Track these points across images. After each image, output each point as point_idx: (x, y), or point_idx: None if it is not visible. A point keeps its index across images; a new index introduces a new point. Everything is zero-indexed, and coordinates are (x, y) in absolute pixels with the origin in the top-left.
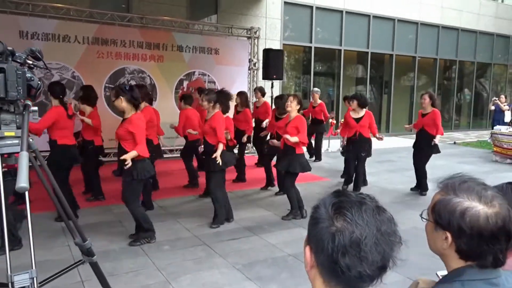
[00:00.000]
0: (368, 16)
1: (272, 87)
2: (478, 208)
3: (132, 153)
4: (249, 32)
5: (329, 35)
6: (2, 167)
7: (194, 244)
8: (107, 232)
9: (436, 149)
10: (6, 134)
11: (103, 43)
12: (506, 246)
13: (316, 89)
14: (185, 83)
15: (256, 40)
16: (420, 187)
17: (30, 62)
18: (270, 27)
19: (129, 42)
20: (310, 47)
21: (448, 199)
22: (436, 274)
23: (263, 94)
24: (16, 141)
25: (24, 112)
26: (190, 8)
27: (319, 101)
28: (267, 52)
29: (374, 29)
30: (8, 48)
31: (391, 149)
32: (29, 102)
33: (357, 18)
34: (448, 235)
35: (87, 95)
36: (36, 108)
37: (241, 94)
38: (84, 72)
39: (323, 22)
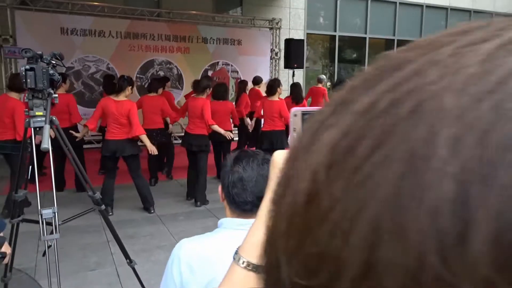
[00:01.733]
0: (395, 3)
1: (293, 75)
2: None
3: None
4: (271, 23)
5: (354, 23)
6: (35, 138)
7: (205, 216)
8: (131, 206)
9: None
10: (37, 113)
11: (134, 37)
12: None
13: (321, 76)
14: (210, 73)
15: (277, 31)
16: None
17: (53, 62)
18: (294, 17)
19: (157, 35)
20: (335, 36)
21: None
22: None
23: (255, 83)
24: (43, 118)
25: (48, 98)
26: (216, 1)
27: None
28: (288, 42)
29: (401, 16)
30: (38, 52)
31: None
32: (51, 91)
33: (383, 5)
34: None
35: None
36: (56, 95)
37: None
38: (118, 64)
39: (348, 10)
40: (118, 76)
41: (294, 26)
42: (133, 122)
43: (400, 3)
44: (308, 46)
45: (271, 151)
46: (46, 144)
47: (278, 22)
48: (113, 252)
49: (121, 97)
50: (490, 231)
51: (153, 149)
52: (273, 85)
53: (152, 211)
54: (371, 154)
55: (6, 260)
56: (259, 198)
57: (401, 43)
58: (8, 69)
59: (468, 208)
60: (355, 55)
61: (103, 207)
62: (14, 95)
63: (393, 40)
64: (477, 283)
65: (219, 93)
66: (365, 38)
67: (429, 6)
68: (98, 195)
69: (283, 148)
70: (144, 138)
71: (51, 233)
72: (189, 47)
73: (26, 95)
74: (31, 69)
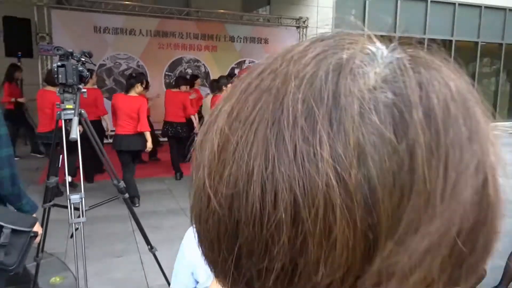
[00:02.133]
0: (426, 0)
1: None
2: None
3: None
4: (298, 22)
5: (384, 21)
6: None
7: None
8: (158, 197)
9: None
10: (67, 106)
11: (164, 35)
12: None
13: None
14: (236, 71)
15: (304, 29)
16: None
17: (83, 59)
18: (322, 16)
19: (186, 34)
20: (363, 35)
21: None
22: None
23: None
24: (72, 111)
25: (77, 93)
26: (244, 0)
27: None
28: None
29: (433, 14)
30: (69, 50)
31: None
32: (80, 86)
33: (414, 3)
34: None
35: None
36: (85, 90)
37: None
38: (147, 62)
39: (377, 8)
40: (148, 73)
41: (322, 25)
42: (140, 117)
43: (431, 1)
44: None
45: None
46: (74, 135)
47: (305, 21)
48: (138, 241)
49: (132, 93)
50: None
51: (149, 146)
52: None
53: (137, 204)
54: (244, 120)
55: (37, 240)
56: None
57: (432, 42)
58: (44, 65)
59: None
60: None
61: (126, 195)
62: (50, 88)
63: (424, 39)
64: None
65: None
66: (394, 37)
67: (462, 4)
68: (122, 184)
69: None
70: (148, 135)
71: (78, 217)
72: (217, 46)
73: (58, 89)
74: (63, 65)
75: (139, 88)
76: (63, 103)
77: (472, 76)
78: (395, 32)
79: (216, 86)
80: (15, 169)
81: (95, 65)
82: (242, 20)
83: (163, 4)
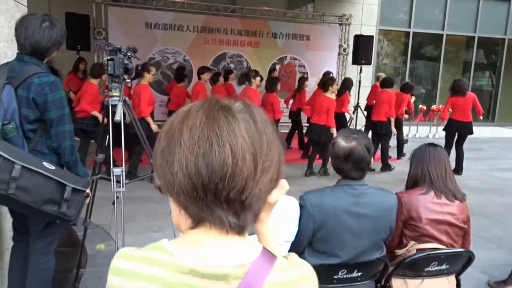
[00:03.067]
0: None
1: (360, 72)
2: (340, 143)
3: None
4: (340, 19)
5: (430, 19)
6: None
7: None
8: None
9: None
10: (114, 94)
11: (209, 31)
12: (355, 167)
13: (378, 74)
14: (278, 67)
15: (347, 27)
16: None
17: (129, 54)
18: (367, 13)
19: (230, 30)
20: (408, 32)
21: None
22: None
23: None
24: (118, 98)
25: (122, 82)
26: None
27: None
28: (357, 38)
29: (484, 12)
30: (117, 46)
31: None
32: (125, 77)
33: (463, 1)
34: None
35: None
36: (129, 80)
37: None
38: (193, 56)
39: (423, 6)
40: (193, 67)
41: (366, 22)
42: (140, 103)
43: None
44: (380, 42)
45: (317, 143)
46: (118, 117)
47: (348, 18)
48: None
49: (143, 82)
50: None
51: (155, 128)
52: (326, 82)
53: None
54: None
55: (87, 201)
56: None
57: (482, 40)
58: (100, 58)
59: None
60: (430, 52)
61: None
62: (93, 80)
63: (474, 37)
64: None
65: (267, 86)
66: (442, 35)
67: None
68: None
69: (325, 142)
70: (149, 120)
71: (119, 187)
72: (259, 42)
73: (107, 79)
74: (111, 59)
75: (146, 76)
76: (110, 91)
77: None
78: (443, 30)
79: (245, 78)
80: (74, 141)
81: (139, 59)
82: (286, 17)
83: (210, 2)
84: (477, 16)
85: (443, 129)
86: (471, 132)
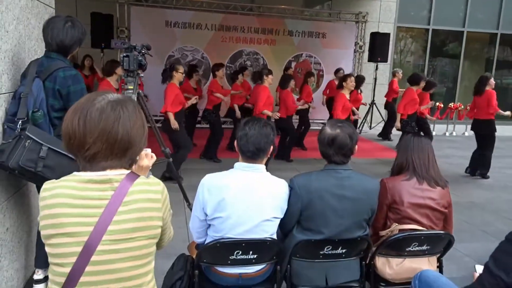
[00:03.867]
0: None
1: (376, 69)
2: (326, 130)
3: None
4: (357, 17)
5: (450, 16)
6: None
7: None
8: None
9: None
10: (129, 87)
11: (227, 29)
12: (338, 152)
13: (395, 69)
14: (293, 64)
15: (363, 24)
16: None
17: (143, 51)
18: (385, 10)
19: (247, 28)
20: (428, 29)
21: (322, 128)
22: (475, 268)
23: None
24: (132, 91)
25: (136, 77)
26: None
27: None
28: (373, 35)
29: (507, 8)
30: (132, 44)
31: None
32: (139, 71)
33: None
34: None
35: None
36: (142, 74)
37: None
38: (211, 54)
39: (444, 2)
40: (211, 64)
41: (384, 19)
42: (165, 101)
43: None
44: (399, 39)
45: None
46: None
47: (364, 16)
48: (185, 207)
49: (172, 81)
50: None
51: (175, 126)
52: (340, 80)
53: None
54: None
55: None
56: (258, 149)
57: (505, 37)
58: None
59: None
60: (450, 50)
61: (170, 159)
62: (108, 78)
63: (496, 34)
64: None
65: (281, 82)
66: (462, 31)
67: None
68: (168, 150)
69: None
70: (169, 115)
71: None
72: (275, 39)
73: (123, 74)
74: (127, 56)
75: (175, 77)
76: (126, 84)
77: None
78: (463, 27)
79: (258, 76)
80: None
81: (151, 56)
82: (302, 15)
83: (228, 1)
84: (500, 12)
85: (471, 129)
86: (490, 131)
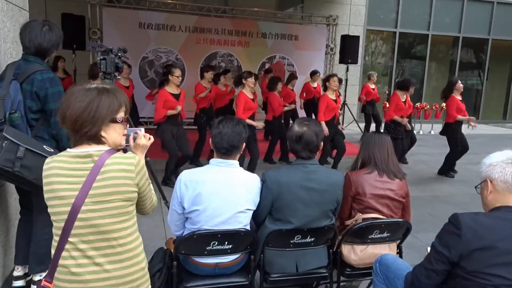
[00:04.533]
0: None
1: (347, 70)
2: (294, 128)
3: None
4: (327, 20)
5: (416, 20)
6: None
7: None
8: None
9: None
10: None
11: (201, 31)
12: (305, 148)
13: (369, 72)
14: (267, 66)
15: (334, 27)
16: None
17: (120, 54)
18: (355, 14)
19: (221, 30)
20: (395, 32)
21: (290, 126)
22: (427, 249)
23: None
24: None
25: (113, 79)
26: None
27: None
28: (344, 38)
29: (469, 13)
30: (108, 47)
31: None
32: (116, 73)
33: (449, 1)
34: None
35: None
36: (120, 77)
37: None
38: (185, 55)
39: (411, 7)
40: (185, 66)
41: (354, 22)
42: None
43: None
44: (369, 42)
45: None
46: None
47: (335, 19)
48: (162, 206)
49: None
50: None
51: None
52: (323, 83)
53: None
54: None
55: None
56: (231, 146)
57: (467, 40)
58: (95, 57)
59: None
60: (416, 52)
61: (148, 158)
62: (93, 81)
63: (458, 37)
64: None
65: (268, 85)
66: (427, 34)
67: (500, 3)
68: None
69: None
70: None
71: None
72: (249, 41)
73: (100, 76)
74: (104, 58)
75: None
76: None
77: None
78: (428, 30)
79: (238, 80)
80: None
81: (127, 58)
82: (275, 18)
83: (201, 3)
84: (462, 17)
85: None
86: (442, 132)
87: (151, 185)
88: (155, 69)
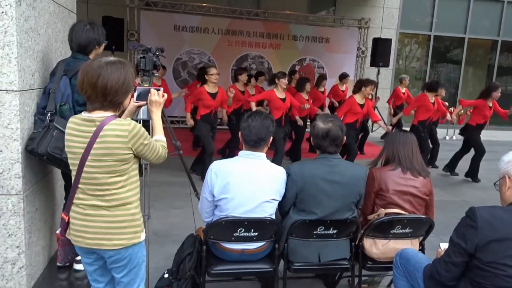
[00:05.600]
0: (502, 1)
1: (378, 74)
2: (319, 125)
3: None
4: (359, 23)
5: (452, 23)
6: None
7: None
8: None
9: None
10: (145, 85)
11: (233, 33)
12: (332, 143)
13: (402, 76)
14: (297, 68)
15: (366, 30)
16: None
17: (157, 53)
18: (387, 16)
19: (253, 32)
20: (429, 35)
21: (314, 123)
22: (439, 245)
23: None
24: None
25: (151, 76)
26: (311, 1)
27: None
28: (376, 40)
29: (508, 15)
30: (148, 46)
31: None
32: (154, 71)
33: (487, 4)
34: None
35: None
36: (157, 74)
37: None
38: (217, 57)
39: (447, 9)
40: (217, 67)
41: (387, 25)
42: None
43: (508, 1)
44: (402, 45)
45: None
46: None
47: (366, 22)
48: (192, 200)
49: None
50: None
51: (189, 122)
52: (356, 85)
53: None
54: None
55: None
56: (259, 138)
57: (506, 44)
58: (132, 57)
59: None
60: (452, 55)
61: (181, 152)
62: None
63: (497, 41)
64: None
65: (297, 86)
66: (463, 38)
67: None
68: (178, 143)
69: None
70: (186, 114)
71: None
72: (280, 44)
73: (140, 73)
74: (143, 57)
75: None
76: (142, 83)
77: None
78: (465, 33)
79: (270, 80)
80: None
81: (164, 57)
82: (307, 21)
83: (234, 6)
84: (501, 20)
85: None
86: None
87: (153, 142)
88: (188, 70)
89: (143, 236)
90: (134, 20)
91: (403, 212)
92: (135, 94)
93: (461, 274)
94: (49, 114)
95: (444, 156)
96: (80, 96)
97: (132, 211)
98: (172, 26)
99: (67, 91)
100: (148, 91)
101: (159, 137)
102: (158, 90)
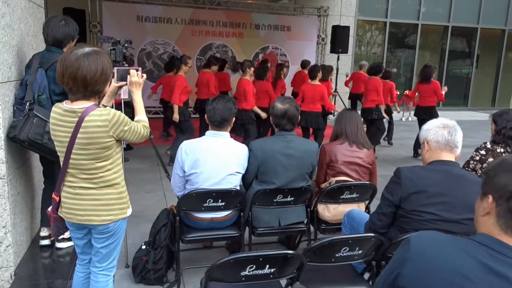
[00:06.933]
0: None
1: (338, 60)
2: (278, 106)
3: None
4: (318, 11)
5: (406, 9)
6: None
7: None
8: None
9: None
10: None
11: (196, 23)
12: (289, 122)
13: (362, 62)
14: (260, 56)
15: (325, 18)
16: None
17: (126, 45)
18: (345, 4)
19: (216, 22)
20: (386, 22)
21: (273, 104)
22: None
23: (303, 66)
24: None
25: (121, 66)
26: None
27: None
28: (335, 28)
29: (458, 2)
30: (117, 39)
31: None
32: (124, 62)
33: None
34: None
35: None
36: (127, 65)
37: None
38: (181, 47)
39: None
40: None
41: (345, 13)
42: (174, 91)
43: None
44: (360, 32)
45: (306, 129)
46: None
47: (325, 10)
48: (163, 184)
49: (180, 72)
50: None
51: (176, 118)
52: (313, 70)
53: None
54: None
55: None
56: (223, 119)
57: (457, 29)
58: None
59: None
60: (406, 41)
61: (151, 136)
62: None
63: (448, 26)
64: None
65: (259, 73)
66: (417, 24)
67: None
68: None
69: (318, 127)
70: (175, 107)
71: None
72: (243, 33)
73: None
74: (113, 49)
75: (183, 68)
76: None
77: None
78: (418, 19)
79: (239, 68)
80: None
81: (133, 48)
82: (268, 10)
83: None
84: (451, 6)
85: (414, 115)
86: (433, 116)
87: (133, 125)
88: (152, 60)
89: (129, 211)
90: (96, 11)
91: (350, 179)
92: (115, 75)
93: (391, 223)
94: (28, 104)
95: (399, 136)
96: (56, 86)
97: (119, 190)
98: (135, 17)
99: (43, 82)
100: (128, 72)
101: (141, 117)
102: (137, 70)
